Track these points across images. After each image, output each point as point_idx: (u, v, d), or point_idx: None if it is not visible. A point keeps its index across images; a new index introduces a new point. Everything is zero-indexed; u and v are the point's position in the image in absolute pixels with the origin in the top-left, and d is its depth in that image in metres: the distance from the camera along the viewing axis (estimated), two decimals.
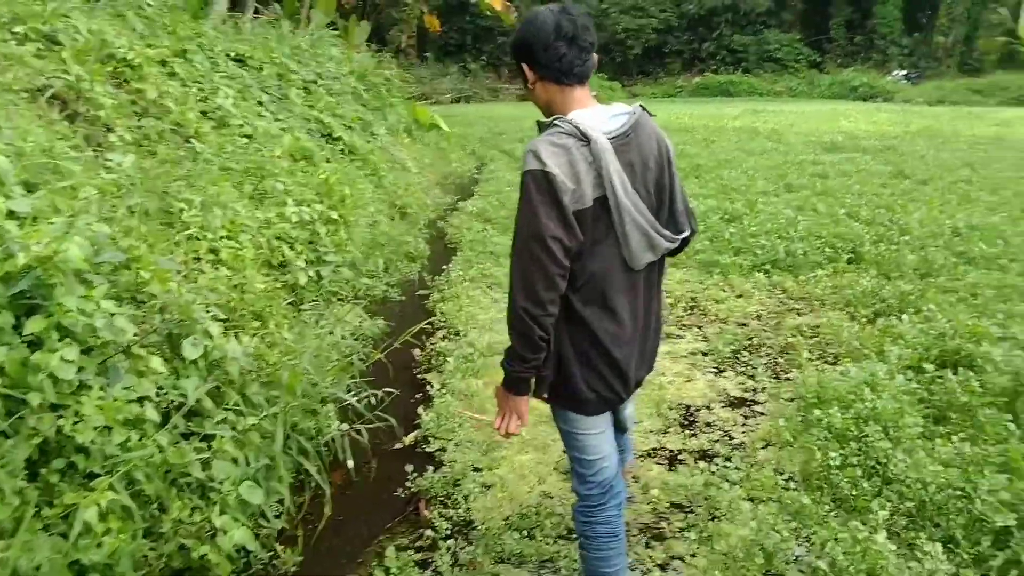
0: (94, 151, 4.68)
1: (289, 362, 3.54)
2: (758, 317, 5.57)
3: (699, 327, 5.39)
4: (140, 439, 2.64)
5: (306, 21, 14.04)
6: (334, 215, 5.87)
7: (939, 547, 2.56)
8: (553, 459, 3.59)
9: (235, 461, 2.92)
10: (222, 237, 4.53)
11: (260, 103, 8.15)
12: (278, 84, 8.95)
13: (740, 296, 6.02)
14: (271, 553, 2.96)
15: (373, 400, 4.02)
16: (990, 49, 38.44)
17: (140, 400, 2.79)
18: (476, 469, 3.52)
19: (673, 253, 2.26)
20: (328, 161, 8.42)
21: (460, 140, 17.03)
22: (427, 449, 3.73)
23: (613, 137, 2.00)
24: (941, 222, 7.35)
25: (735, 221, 7.82)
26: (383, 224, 7.56)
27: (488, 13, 19.25)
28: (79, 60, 5.15)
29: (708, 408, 4.12)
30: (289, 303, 4.95)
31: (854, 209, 8.05)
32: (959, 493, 2.87)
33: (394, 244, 7.31)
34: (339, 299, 5.86)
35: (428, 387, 4.39)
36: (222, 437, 2.98)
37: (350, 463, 3.56)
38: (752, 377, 4.51)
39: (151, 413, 2.68)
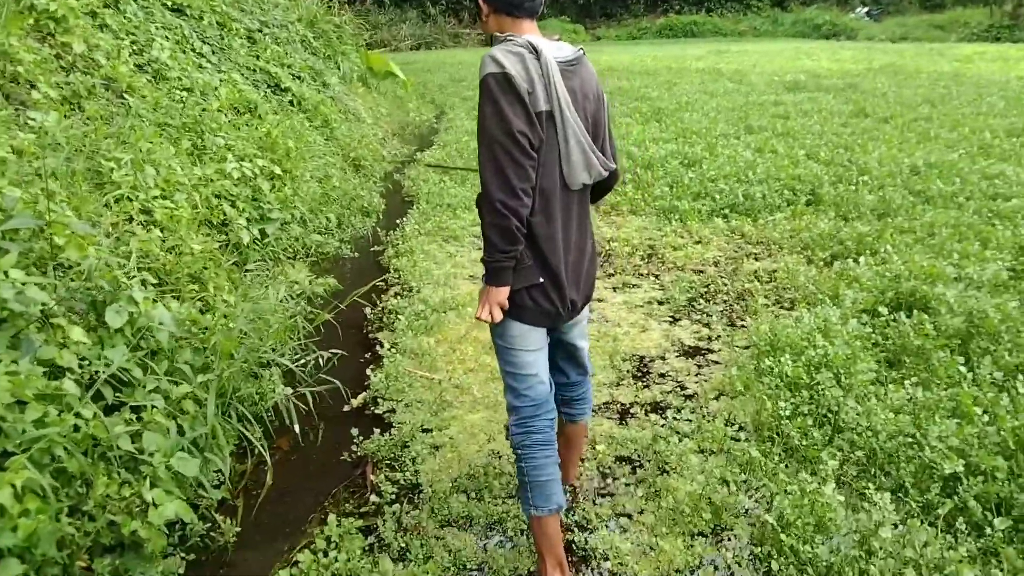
0: (16, 110, 4.42)
1: (225, 326, 3.39)
2: (716, 263, 5.50)
3: (656, 275, 5.32)
4: (59, 414, 2.50)
5: None
6: (278, 170, 5.66)
7: (887, 496, 2.53)
8: (503, 417, 3.51)
9: (166, 432, 2.79)
10: (155, 197, 4.33)
11: (200, 54, 7.80)
12: (219, 34, 8.58)
13: (698, 242, 5.94)
14: (209, 525, 2.86)
15: (321, 362, 3.91)
16: None
17: (59, 372, 2.65)
18: (425, 430, 3.43)
19: (597, 195, 2.49)
20: (275, 113, 8.15)
21: (419, 88, 16.64)
22: (376, 411, 3.63)
23: (560, 61, 2.20)
24: (900, 160, 7.31)
25: (694, 165, 7.71)
26: (335, 178, 7.34)
27: None
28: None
29: (662, 359, 4.06)
30: (232, 264, 4.78)
31: (814, 150, 7.98)
32: (909, 440, 2.84)
33: (347, 199, 7.12)
34: (288, 258, 5.70)
35: (378, 347, 4.28)
36: (153, 407, 2.86)
37: (296, 428, 3.45)
38: (707, 325, 4.46)
39: (69, 386, 2.54)
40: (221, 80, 7.40)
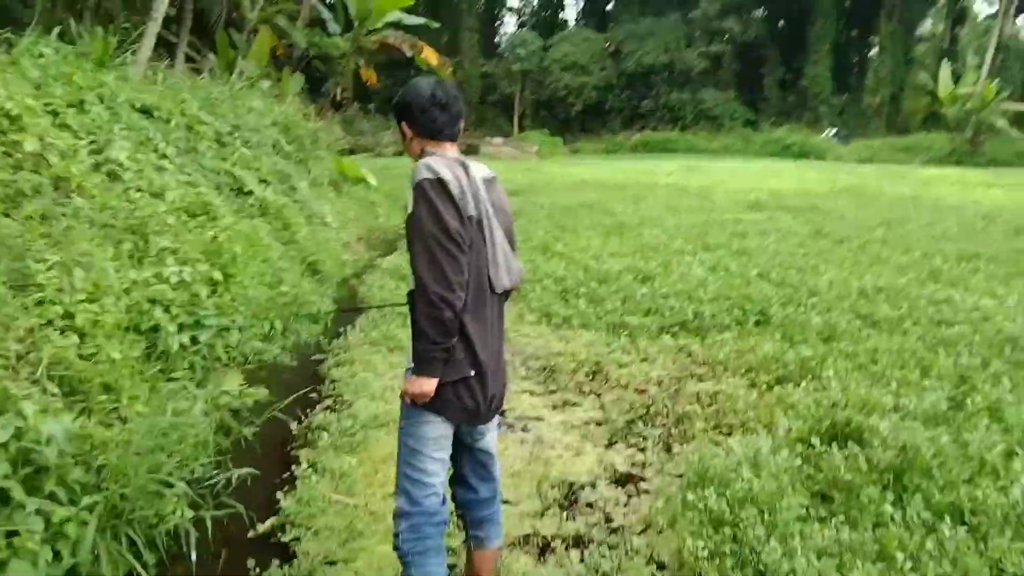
0: None
1: (123, 442, 3.23)
2: (659, 383, 5.42)
3: (598, 394, 5.22)
4: None
5: (239, 71, 13.86)
6: (219, 275, 5.59)
7: None
8: None
9: (35, 562, 2.59)
10: (80, 301, 4.22)
11: (164, 156, 7.85)
12: (186, 136, 8.67)
13: (644, 360, 5.88)
14: None
15: (234, 480, 3.72)
16: (915, 110, 40.11)
17: None
18: (330, 563, 3.23)
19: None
20: (235, 213, 8.15)
21: (394, 194, 16.85)
22: (282, 538, 3.44)
23: (483, 178, 2.50)
24: (850, 283, 7.39)
25: (648, 281, 7.75)
26: (286, 283, 7.27)
27: (425, 68, 19.31)
28: None
29: (592, 486, 3.91)
30: (159, 371, 4.63)
31: (766, 270, 8.07)
32: None
33: (295, 304, 7.03)
34: (224, 365, 5.55)
35: (297, 466, 4.10)
36: (28, 531, 2.67)
37: (192, 556, 3.24)
38: (643, 450, 4.34)
39: None
40: (179, 182, 7.42)
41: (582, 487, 3.90)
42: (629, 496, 3.81)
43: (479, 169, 2.51)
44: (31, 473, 2.84)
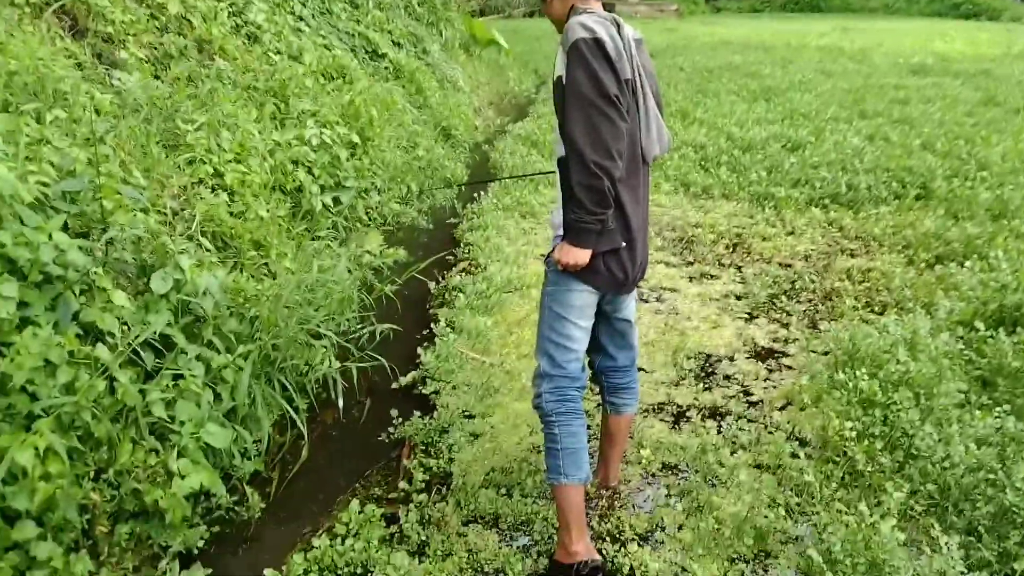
0: (106, 70, 4.53)
1: (274, 296, 3.36)
2: (806, 257, 5.14)
3: (739, 267, 5.01)
4: (91, 378, 2.51)
5: None
6: (357, 138, 5.62)
7: (956, 540, 2.25)
8: None
9: (198, 403, 2.78)
10: (228, 161, 4.35)
11: (300, 18, 7.86)
12: None
13: (791, 233, 5.57)
14: (237, 498, 2.84)
15: (377, 335, 3.85)
16: None
17: (97, 336, 2.67)
18: (468, 416, 3.32)
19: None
20: (373, 76, 8.15)
21: (525, 56, 16.42)
22: (423, 391, 3.55)
23: (634, 38, 2.33)
24: None
25: (797, 150, 7.25)
26: (421, 147, 7.28)
27: None
28: None
29: (731, 359, 3.80)
30: (304, 230, 4.78)
31: (931, 140, 7.36)
32: (991, 478, 2.52)
33: (430, 168, 7.05)
34: (364, 225, 5.68)
35: (435, 324, 4.18)
36: (192, 375, 2.85)
37: (340, 403, 3.41)
38: (786, 326, 4.15)
39: (102, 351, 2.54)
40: (323, 45, 7.44)
41: (719, 360, 3.80)
42: (770, 371, 3.68)
43: (629, 29, 2.33)
44: (190, 323, 3.01)
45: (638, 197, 2.38)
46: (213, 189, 4.20)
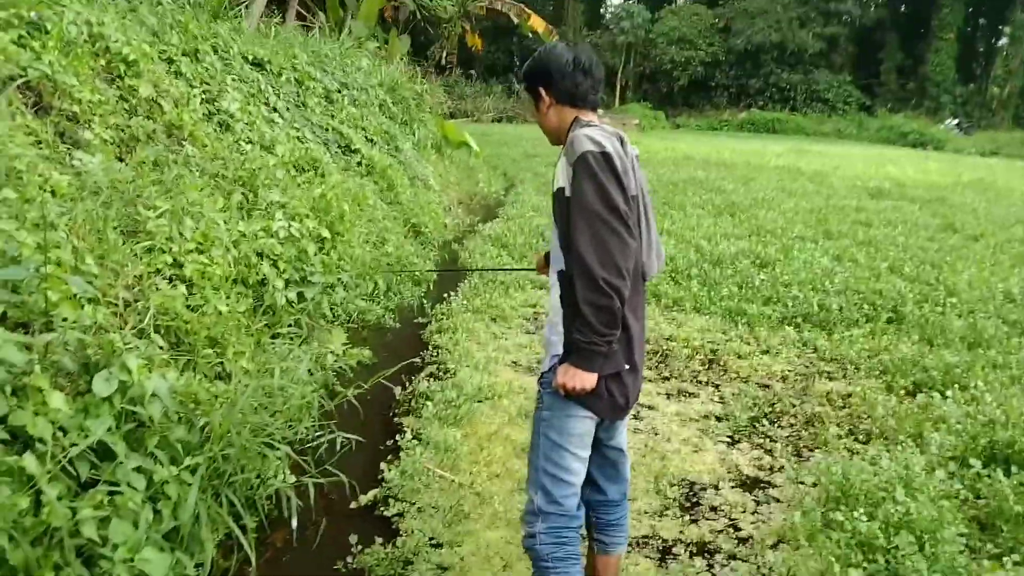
0: (68, 149, 4.31)
1: (228, 400, 3.07)
2: (783, 378, 5.01)
3: (716, 385, 4.85)
4: (12, 493, 2.19)
5: (348, 31, 13.82)
6: (326, 233, 5.44)
7: None
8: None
9: (135, 522, 2.45)
10: (189, 251, 4.11)
11: (274, 109, 7.80)
12: (296, 91, 8.61)
13: (766, 352, 5.46)
14: None
15: (338, 445, 3.55)
16: None
17: (26, 443, 2.36)
18: (435, 544, 3.02)
19: None
20: (345, 171, 8.05)
21: (493, 159, 16.65)
22: (385, 512, 3.24)
23: (635, 153, 2.26)
24: (993, 285, 6.73)
25: (767, 267, 7.27)
26: (390, 243, 7.12)
27: (530, 35, 18.92)
28: (64, 51, 4.79)
29: (715, 488, 3.57)
30: (264, 325, 4.51)
31: (897, 263, 7.45)
32: None
33: (399, 265, 6.87)
34: (329, 322, 5.43)
35: (400, 435, 3.90)
36: (131, 488, 2.54)
37: (293, 523, 3.07)
38: (770, 452, 3.96)
39: (30, 461, 2.23)
40: (289, 136, 7.34)
41: (704, 488, 3.57)
42: (757, 503, 3.46)
43: (631, 146, 2.26)
44: (133, 429, 2.71)
45: (639, 316, 2.27)
46: (171, 280, 3.95)
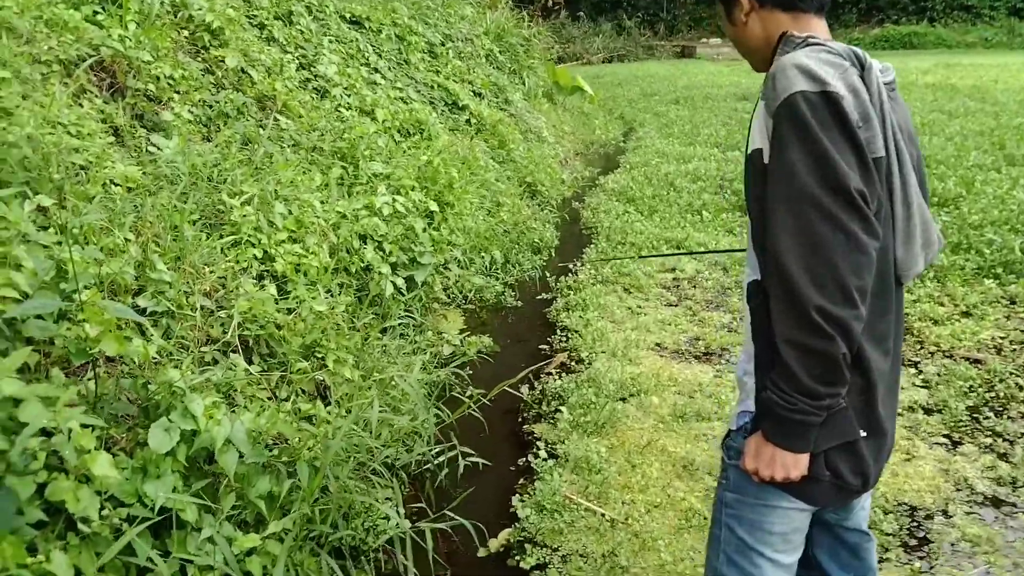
0: (146, 133, 3.86)
1: (324, 432, 2.51)
2: (998, 349, 4.03)
3: (914, 363, 3.94)
4: None
5: None
6: (435, 206, 4.82)
7: None
8: None
9: None
10: (281, 241, 3.58)
11: (375, 69, 7.23)
12: (398, 48, 8.00)
13: (967, 314, 4.47)
14: None
15: (459, 473, 2.96)
16: None
17: (68, 522, 1.86)
18: None
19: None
20: (453, 131, 7.44)
21: (608, 103, 15.63)
22: (520, 563, 2.61)
23: (884, 81, 1.41)
24: None
25: (947, 206, 6.14)
26: (506, 208, 6.46)
27: None
28: (141, 25, 4.32)
29: (945, 514, 2.75)
30: (373, 316, 3.97)
31: None
32: None
33: (516, 232, 6.21)
34: (443, 304, 4.85)
35: (532, 449, 3.27)
36: (203, 568, 2.02)
37: None
38: (1006, 457, 3.07)
39: (59, 561, 1.71)
40: (391, 98, 6.76)
41: (929, 515, 2.75)
42: (1008, 542, 2.61)
43: (877, 67, 1.42)
44: (208, 486, 2.18)
45: (888, 347, 1.45)
46: (260, 278, 3.44)
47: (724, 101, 14.59)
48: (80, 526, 1.86)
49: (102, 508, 1.92)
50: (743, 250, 2.43)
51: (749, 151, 1.41)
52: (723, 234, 6.20)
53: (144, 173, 3.43)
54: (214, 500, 2.18)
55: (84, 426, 1.95)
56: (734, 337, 4.31)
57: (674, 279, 5.34)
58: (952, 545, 2.58)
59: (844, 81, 1.31)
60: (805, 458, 1.36)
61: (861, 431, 1.39)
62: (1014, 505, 2.78)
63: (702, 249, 5.75)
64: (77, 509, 1.84)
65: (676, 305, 4.87)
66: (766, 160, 1.36)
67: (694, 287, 5.17)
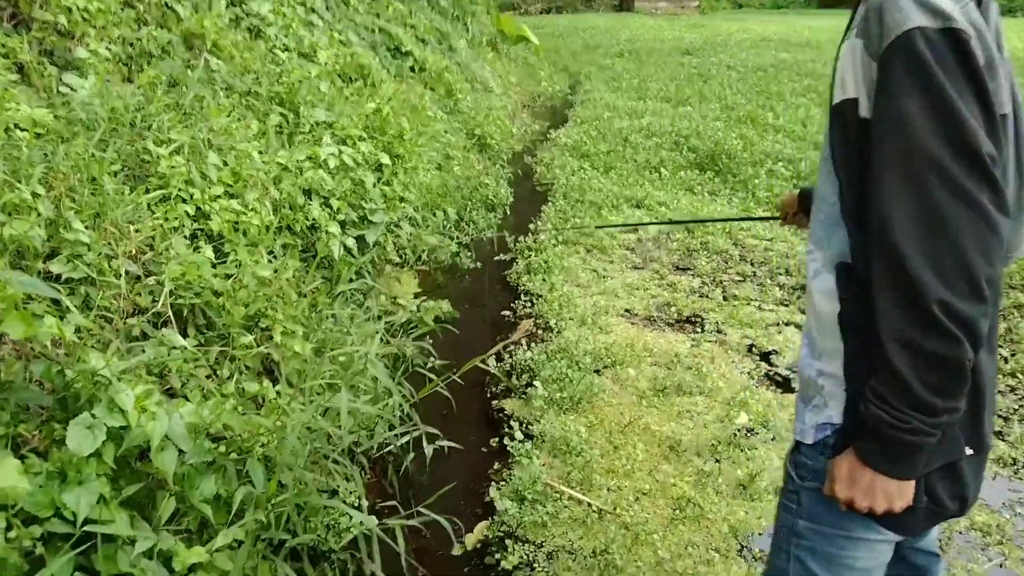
0: (58, 72, 3.37)
1: (276, 420, 2.16)
2: None
3: None
4: None
5: None
6: (386, 158, 4.42)
7: None
8: None
9: None
10: (217, 196, 3.17)
11: (312, 9, 6.68)
12: None
13: None
14: None
15: (428, 454, 2.66)
16: None
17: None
18: None
19: None
20: (397, 78, 6.97)
21: (551, 55, 15.20)
22: (501, 562, 2.33)
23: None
24: None
25: None
26: (456, 161, 6.09)
27: None
28: None
29: None
30: (323, 279, 3.60)
31: None
32: None
33: (469, 188, 5.86)
34: (395, 265, 4.50)
35: (504, 428, 2.99)
36: None
37: None
38: (1002, 436, 2.93)
39: None
40: (331, 40, 6.26)
41: None
42: (1020, 529, 2.46)
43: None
44: (144, 490, 1.83)
45: (993, 345, 1.22)
46: (194, 237, 3.03)
47: (669, 56, 14.35)
48: None
49: (8, 528, 1.56)
50: (768, 218, 2.17)
51: (837, 101, 1.13)
52: (683, 192, 5.97)
53: (56, 117, 2.98)
54: (149, 507, 1.84)
55: None
56: (705, 303, 4.09)
57: (638, 239, 5.09)
58: (961, 534, 2.42)
59: (966, 17, 1.04)
60: (911, 486, 1.11)
61: (967, 449, 1.15)
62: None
63: (665, 210, 5.50)
64: None
65: (642, 268, 4.62)
66: (863, 113, 1.08)
67: (659, 248, 4.93)
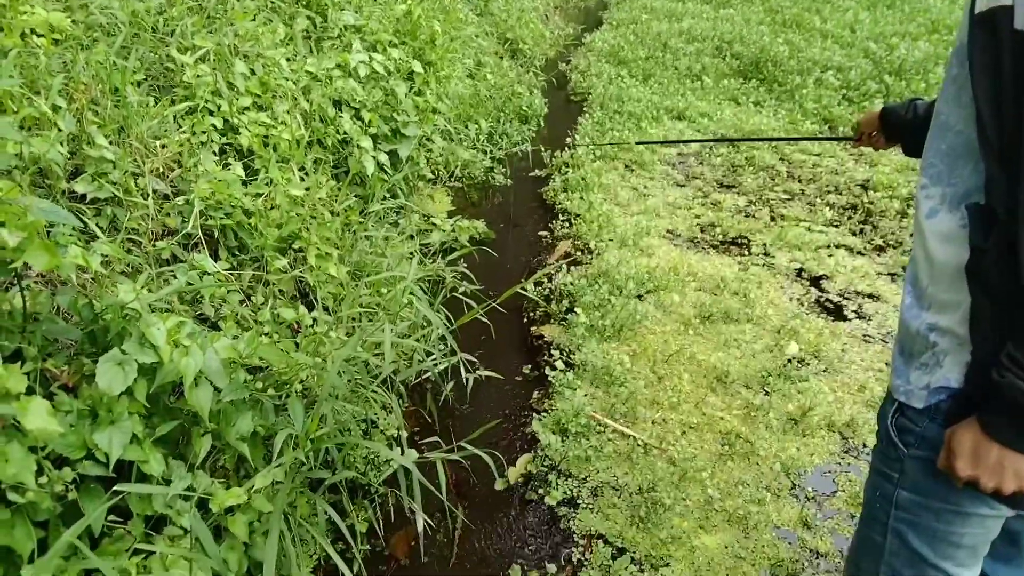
0: None
1: (314, 350, 2.08)
2: None
3: None
4: None
5: None
6: (418, 66, 4.19)
7: None
8: (755, 542, 2.09)
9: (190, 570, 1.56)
10: (245, 108, 3.01)
11: None
12: None
13: None
14: None
15: (468, 386, 2.58)
16: None
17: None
18: (621, 550, 2.06)
19: None
20: None
21: None
22: (546, 497, 2.27)
23: None
24: None
25: None
26: (488, 68, 5.82)
27: None
28: None
29: None
30: (355, 199, 3.46)
31: None
32: None
33: (502, 98, 5.61)
34: (428, 182, 4.34)
35: (544, 357, 2.89)
36: (178, 528, 1.64)
37: (419, 525, 2.14)
38: None
39: None
40: None
41: None
42: None
43: None
44: (178, 428, 1.76)
45: None
46: (222, 153, 2.89)
47: None
48: (11, 495, 1.44)
49: (40, 471, 1.50)
50: (840, 138, 1.99)
51: (983, 8, 0.94)
52: (727, 102, 5.68)
53: (73, 22, 2.79)
54: (184, 444, 1.77)
55: (8, 361, 1.51)
56: (752, 223, 3.91)
57: (678, 153, 4.87)
58: None
59: None
60: None
61: None
62: None
63: (707, 122, 5.25)
64: (5, 475, 1.42)
65: (684, 186, 4.43)
66: (1019, 24, 0.90)
67: (701, 164, 4.72)
